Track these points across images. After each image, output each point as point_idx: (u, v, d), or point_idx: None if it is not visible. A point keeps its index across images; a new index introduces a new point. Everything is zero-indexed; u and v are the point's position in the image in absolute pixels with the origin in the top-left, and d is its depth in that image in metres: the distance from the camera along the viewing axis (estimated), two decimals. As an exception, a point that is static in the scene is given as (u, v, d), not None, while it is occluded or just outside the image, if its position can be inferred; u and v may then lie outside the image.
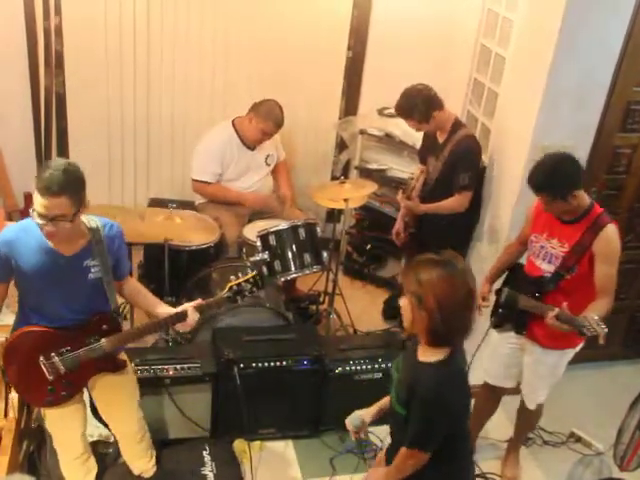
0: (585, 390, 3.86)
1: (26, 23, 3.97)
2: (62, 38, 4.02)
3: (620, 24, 3.11)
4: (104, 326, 2.56)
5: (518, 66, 3.46)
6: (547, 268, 2.83)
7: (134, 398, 2.81)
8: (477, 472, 3.36)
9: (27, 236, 2.40)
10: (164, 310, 2.65)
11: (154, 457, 2.96)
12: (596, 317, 2.55)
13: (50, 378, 2.53)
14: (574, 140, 3.24)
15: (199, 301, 2.62)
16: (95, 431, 3.11)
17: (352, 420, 2.33)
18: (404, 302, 2.04)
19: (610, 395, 3.82)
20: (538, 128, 3.22)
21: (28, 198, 4.33)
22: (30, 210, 2.32)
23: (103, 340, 2.54)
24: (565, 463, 3.51)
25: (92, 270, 2.49)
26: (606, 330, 2.54)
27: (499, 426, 3.46)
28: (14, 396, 2.84)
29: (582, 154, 3.35)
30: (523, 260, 3.06)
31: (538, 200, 2.84)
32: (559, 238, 2.78)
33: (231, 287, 2.64)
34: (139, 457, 2.92)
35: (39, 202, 2.26)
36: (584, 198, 2.72)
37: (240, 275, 2.66)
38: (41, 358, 2.50)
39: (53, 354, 2.51)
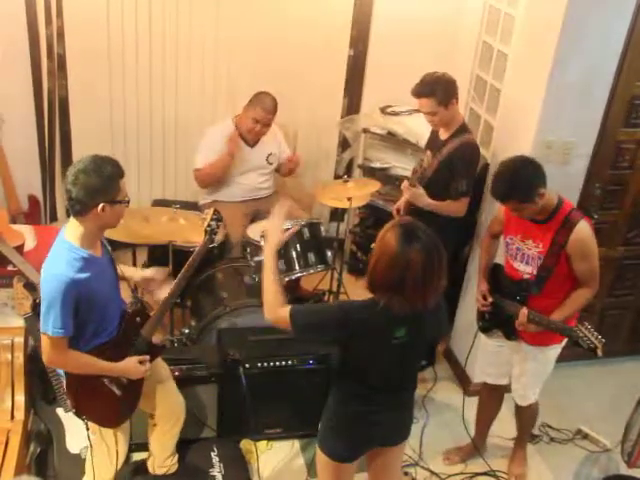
0: (592, 387, 3.85)
1: (28, 27, 3.97)
2: (64, 41, 4.03)
3: (623, 18, 3.09)
4: (137, 319, 2.59)
5: (521, 62, 3.45)
6: (525, 269, 2.84)
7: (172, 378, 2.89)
8: (486, 470, 3.37)
9: (75, 263, 2.28)
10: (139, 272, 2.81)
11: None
12: (589, 326, 2.58)
13: (119, 393, 2.52)
14: (578, 136, 3.23)
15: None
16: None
17: None
18: None
19: (617, 391, 3.81)
20: (541, 124, 3.21)
21: (32, 201, 4.34)
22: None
23: (142, 331, 2.58)
24: (572, 460, 3.51)
25: (113, 260, 2.52)
26: (604, 341, 2.56)
27: (505, 424, 3.45)
28: (20, 398, 2.85)
29: (586, 150, 3.35)
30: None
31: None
32: (534, 239, 2.78)
33: (205, 231, 2.75)
34: (172, 454, 2.96)
35: (124, 185, 2.32)
36: (551, 196, 2.70)
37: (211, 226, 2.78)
38: (105, 380, 2.49)
39: None
